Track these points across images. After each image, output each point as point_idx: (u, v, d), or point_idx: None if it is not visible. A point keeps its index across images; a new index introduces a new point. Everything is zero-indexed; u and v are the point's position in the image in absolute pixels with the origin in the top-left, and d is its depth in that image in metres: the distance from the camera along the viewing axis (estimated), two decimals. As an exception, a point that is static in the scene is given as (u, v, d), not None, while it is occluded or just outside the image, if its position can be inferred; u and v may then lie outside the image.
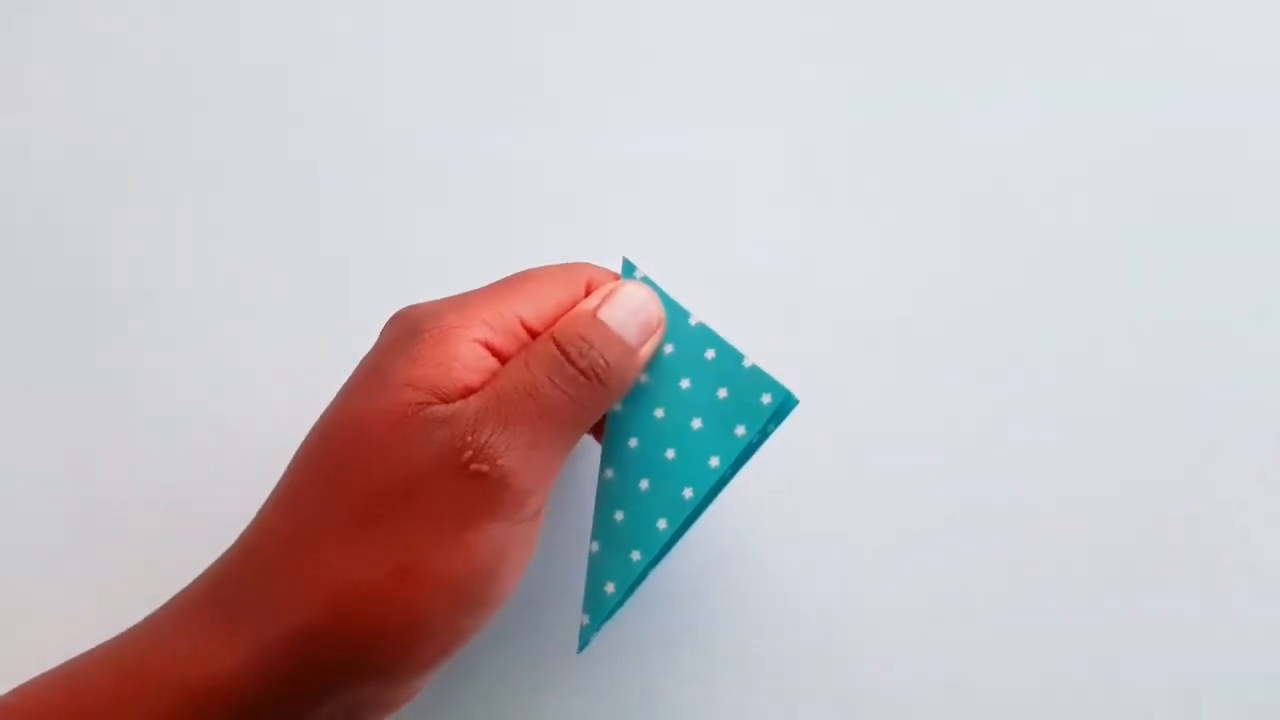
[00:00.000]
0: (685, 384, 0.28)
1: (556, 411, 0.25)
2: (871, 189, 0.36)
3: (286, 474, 0.25)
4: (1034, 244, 0.36)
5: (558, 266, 0.28)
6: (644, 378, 0.28)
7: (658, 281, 0.28)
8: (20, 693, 0.24)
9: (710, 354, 0.27)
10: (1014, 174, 0.36)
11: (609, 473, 0.28)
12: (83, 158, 0.38)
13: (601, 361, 0.26)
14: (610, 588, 0.27)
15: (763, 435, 0.29)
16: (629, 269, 0.29)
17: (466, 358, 0.25)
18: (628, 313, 0.27)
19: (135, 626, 0.25)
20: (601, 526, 0.28)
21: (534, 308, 0.26)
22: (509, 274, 0.28)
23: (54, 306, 0.37)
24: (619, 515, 0.28)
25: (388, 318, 0.27)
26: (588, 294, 0.27)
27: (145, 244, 0.37)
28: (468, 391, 0.24)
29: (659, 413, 0.28)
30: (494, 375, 0.25)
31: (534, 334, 0.26)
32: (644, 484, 0.28)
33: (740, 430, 0.27)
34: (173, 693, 0.22)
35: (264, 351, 0.36)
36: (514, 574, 0.25)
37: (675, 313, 0.28)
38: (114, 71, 0.39)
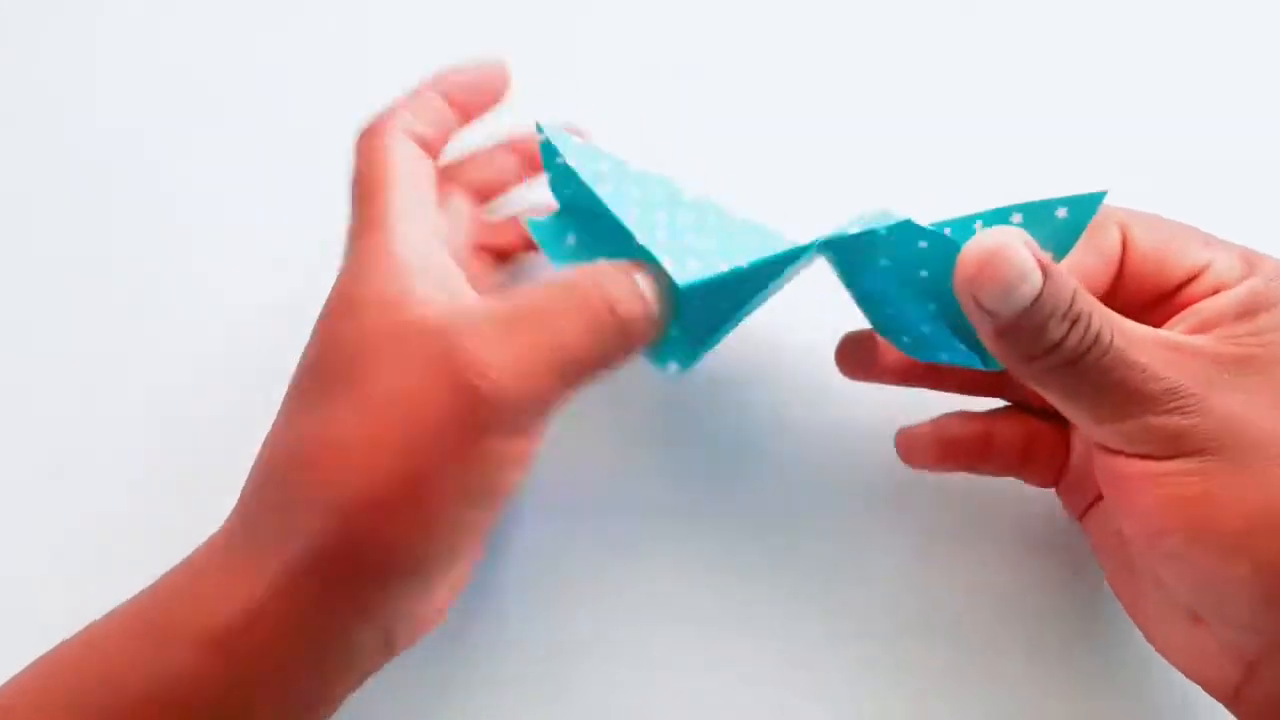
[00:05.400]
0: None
1: (568, 348, 0.24)
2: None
3: (292, 388, 0.25)
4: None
5: None
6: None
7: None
8: (38, 664, 0.23)
9: None
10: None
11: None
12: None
13: (630, 315, 0.25)
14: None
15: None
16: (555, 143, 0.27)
17: (411, 245, 0.26)
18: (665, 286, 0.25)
19: (165, 574, 0.25)
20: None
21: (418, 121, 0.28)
22: None
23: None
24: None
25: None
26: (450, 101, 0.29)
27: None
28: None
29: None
30: (506, 291, 0.25)
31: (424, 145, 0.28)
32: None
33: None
34: (191, 640, 0.22)
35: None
36: (518, 467, 0.25)
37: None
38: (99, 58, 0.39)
